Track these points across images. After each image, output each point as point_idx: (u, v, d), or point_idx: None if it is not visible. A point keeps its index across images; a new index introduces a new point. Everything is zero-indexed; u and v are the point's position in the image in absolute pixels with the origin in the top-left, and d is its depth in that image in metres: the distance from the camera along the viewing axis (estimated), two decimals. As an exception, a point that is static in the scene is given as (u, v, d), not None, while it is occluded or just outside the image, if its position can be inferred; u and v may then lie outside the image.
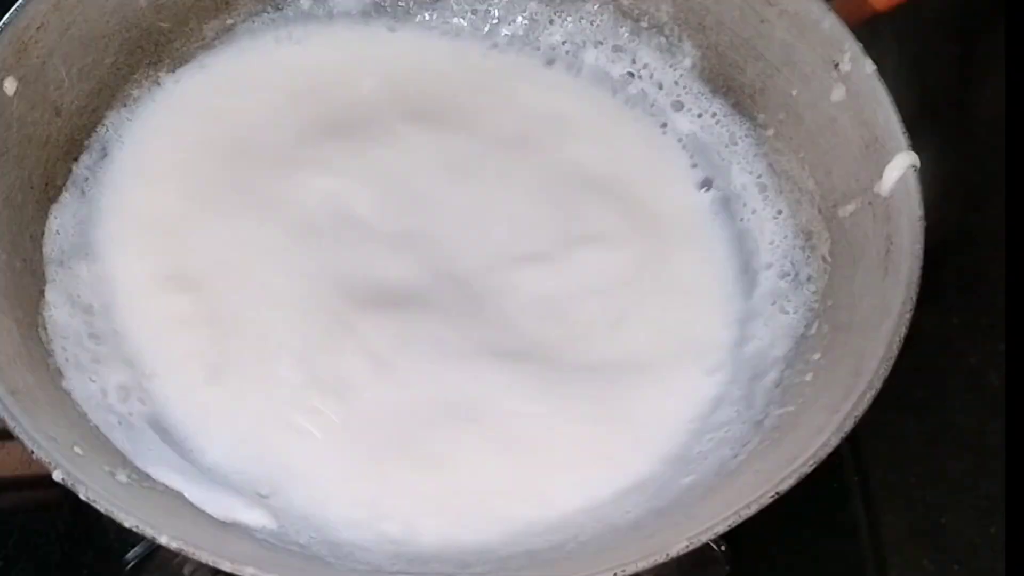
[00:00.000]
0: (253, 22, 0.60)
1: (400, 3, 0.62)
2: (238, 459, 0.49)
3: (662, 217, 0.57)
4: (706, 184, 0.58)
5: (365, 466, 0.49)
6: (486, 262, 0.55)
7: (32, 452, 0.41)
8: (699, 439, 0.50)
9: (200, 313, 0.52)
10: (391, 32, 0.62)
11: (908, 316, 0.45)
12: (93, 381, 0.49)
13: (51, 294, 0.50)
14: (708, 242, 0.56)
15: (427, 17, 0.62)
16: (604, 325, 0.54)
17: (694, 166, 0.58)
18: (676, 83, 0.59)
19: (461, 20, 0.62)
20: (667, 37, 0.59)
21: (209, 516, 0.45)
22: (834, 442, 0.42)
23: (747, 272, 0.55)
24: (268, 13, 0.60)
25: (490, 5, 0.62)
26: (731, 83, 0.57)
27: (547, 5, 0.61)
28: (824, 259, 0.52)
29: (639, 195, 0.58)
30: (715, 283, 0.55)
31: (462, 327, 0.52)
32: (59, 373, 0.48)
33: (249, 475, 0.48)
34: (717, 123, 0.58)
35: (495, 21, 0.62)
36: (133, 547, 0.50)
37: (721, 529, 0.40)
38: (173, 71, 0.58)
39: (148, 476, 0.45)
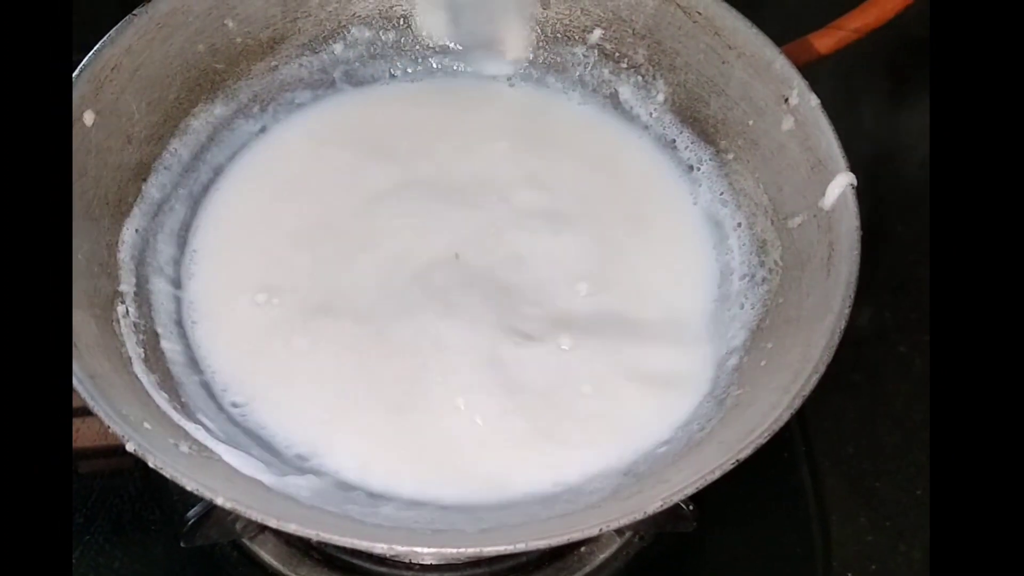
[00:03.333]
0: (293, 64, 0.60)
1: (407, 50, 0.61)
2: (282, 429, 0.49)
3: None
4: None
5: (394, 436, 0.49)
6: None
7: (108, 427, 0.41)
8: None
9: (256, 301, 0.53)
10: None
11: (847, 311, 0.45)
12: (159, 367, 0.49)
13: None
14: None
15: (434, 65, 0.62)
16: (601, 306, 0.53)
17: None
18: (651, 115, 0.59)
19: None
20: (643, 76, 0.59)
21: (258, 481, 0.45)
22: (785, 418, 0.42)
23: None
24: (307, 56, 0.60)
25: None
26: (697, 115, 0.57)
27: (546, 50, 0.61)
28: (776, 263, 0.52)
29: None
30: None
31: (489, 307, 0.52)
32: (130, 360, 0.48)
33: (294, 442, 0.48)
34: (686, 148, 0.58)
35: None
36: (193, 507, 0.50)
37: (690, 491, 0.41)
38: (226, 104, 0.58)
39: (206, 447, 0.46)
